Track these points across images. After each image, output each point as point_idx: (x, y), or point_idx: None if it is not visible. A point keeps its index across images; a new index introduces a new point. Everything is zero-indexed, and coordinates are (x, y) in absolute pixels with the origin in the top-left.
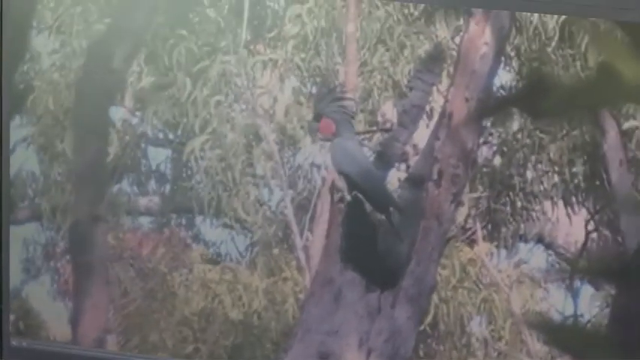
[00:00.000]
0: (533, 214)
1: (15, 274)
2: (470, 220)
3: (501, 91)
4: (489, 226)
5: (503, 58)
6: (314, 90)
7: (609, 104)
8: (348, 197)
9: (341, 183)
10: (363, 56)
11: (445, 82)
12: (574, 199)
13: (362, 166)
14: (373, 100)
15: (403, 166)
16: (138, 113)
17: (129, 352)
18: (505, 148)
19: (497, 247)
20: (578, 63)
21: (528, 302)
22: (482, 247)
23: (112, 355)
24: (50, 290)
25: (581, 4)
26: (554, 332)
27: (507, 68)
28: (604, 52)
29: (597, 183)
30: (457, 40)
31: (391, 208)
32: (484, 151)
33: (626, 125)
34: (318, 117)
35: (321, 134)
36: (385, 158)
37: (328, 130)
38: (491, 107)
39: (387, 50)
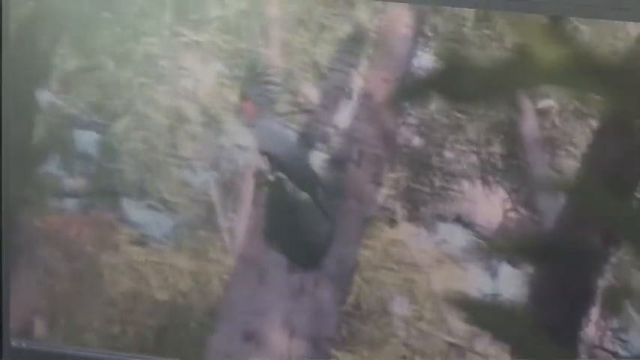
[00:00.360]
0: (452, 193)
1: None
2: (390, 201)
3: (420, 72)
4: (409, 206)
5: (421, 39)
6: (237, 72)
7: (525, 84)
8: (272, 178)
9: (265, 164)
10: (285, 38)
11: (365, 63)
12: (491, 178)
13: (287, 146)
14: (295, 82)
15: (325, 147)
16: (63, 96)
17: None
18: (424, 129)
19: (418, 227)
20: (494, 43)
21: (449, 282)
22: (403, 227)
23: (113, 357)
24: None
25: (579, 3)
26: (475, 311)
27: (426, 49)
28: (520, 33)
29: (514, 162)
30: (376, 21)
31: (318, 188)
32: (403, 132)
33: (541, 104)
34: (242, 99)
35: (244, 116)
36: (307, 139)
37: (250, 112)
38: (410, 88)
39: (307, 32)
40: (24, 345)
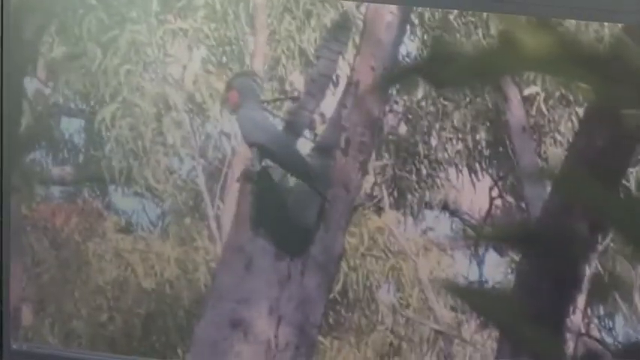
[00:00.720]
0: (438, 181)
1: None
2: (377, 188)
3: (406, 59)
4: (395, 194)
5: (408, 27)
6: (223, 59)
7: (510, 71)
8: (258, 167)
9: (252, 153)
10: (271, 25)
11: (351, 51)
12: (478, 165)
13: (272, 133)
14: (281, 69)
15: (311, 135)
16: (50, 83)
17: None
18: (410, 116)
19: (404, 214)
20: (479, 31)
21: (435, 269)
22: (390, 215)
23: (114, 359)
24: None
25: (575, 6)
26: (461, 297)
27: (412, 37)
28: (504, 20)
29: (500, 150)
30: (362, 9)
31: (305, 175)
32: (390, 119)
33: (527, 91)
34: (228, 88)
35: (229, 104)
36: (293, 127)
37: (234, 101)
38: (396, 76)
39: (294, 19)
40: (24, 347)
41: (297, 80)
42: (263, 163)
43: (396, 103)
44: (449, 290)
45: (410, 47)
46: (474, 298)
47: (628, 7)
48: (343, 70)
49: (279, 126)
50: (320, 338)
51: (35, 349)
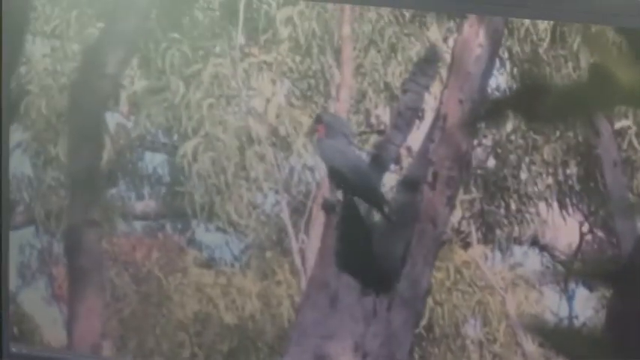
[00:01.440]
0: (528, 216)
1: (11, 279)
2: (464, 223)
3: (495, 92)
4: (484, 229)
5: (496, 60)
6: (308, 92)
7: (602, 105)
8: (343, 200)
9: (336, 187)
10: (356, 58)
11: (438, 84)
12: (568, 200)
13: (352, 161)
14: (367, 102)
15: (397, 169)
16: (132, 117)
17: (125, 357)
18: (499, 150)
19: (492, 249)
20: (570, 64)
21: (523, 304)
22: (477, 250)
23: None
24: (45, 295)
25: (575, 9)
26: (550, 334)
27: (500, 70)
28: (596, 53)
29: (592, 184)
30: (450, 42)
31: (391, 210)
32: (478, 153)
33: (618, 125)
34: (318, 120)
35: (317, 137)
36: (379, 161)
37: (322, 133)
38: (485, 109)
39: (379, 52)
40: (24, 350)
41: (382, 114)
42: (348, 197)
43: (485, 136)
44: (533, 330)
45: (499, 80)
46: (560, 336)
47: (628, 10)
48: (429, 103)
49: (365, 159)
50: None
51: (35, 353)
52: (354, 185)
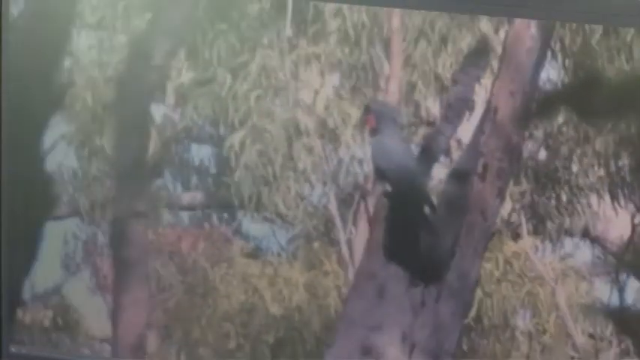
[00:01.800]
0: (579, 207)
1: (55, 270)
2: (514, 214)
3: (547, 84)
4: (534, 220)
5: (549, 52)
6: (356, 84)
7: None
8: (391, 192)
9: (385, 178)
10: (406, 50)
11: (489, 75)
12: (620, 192)
13: (399, 164)
14: (417, 94)
15: (447, 160)
16: (178, 109)
17: (170, 348)
18: (550, 142)
19: (542, 240)
20: (623, 55)
21: (573, 295)
22: (527, 241)
23: None
24: (90, 285)
25: (576, 9)
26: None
27: (552, 62)
28: None
29: None
30: (501, 33)
31: (439, 201)
32: (529, 145)
33: None
34: (367, 111)
35: (366, 129)
36: (429, 152)
37: (370, 124)
38: (536, 101)
39: (429, 43)
40: (23, 350)
41: (432, 105)
42: (396, 189)
43: (536, 128)
44: (590, 314)
45: (550, 72)
46: (617, 319)
47: (628, 10)
48: (480, 95)
49: (415, 152)
50: None
51: (33, 352)
52: (399, 188)
